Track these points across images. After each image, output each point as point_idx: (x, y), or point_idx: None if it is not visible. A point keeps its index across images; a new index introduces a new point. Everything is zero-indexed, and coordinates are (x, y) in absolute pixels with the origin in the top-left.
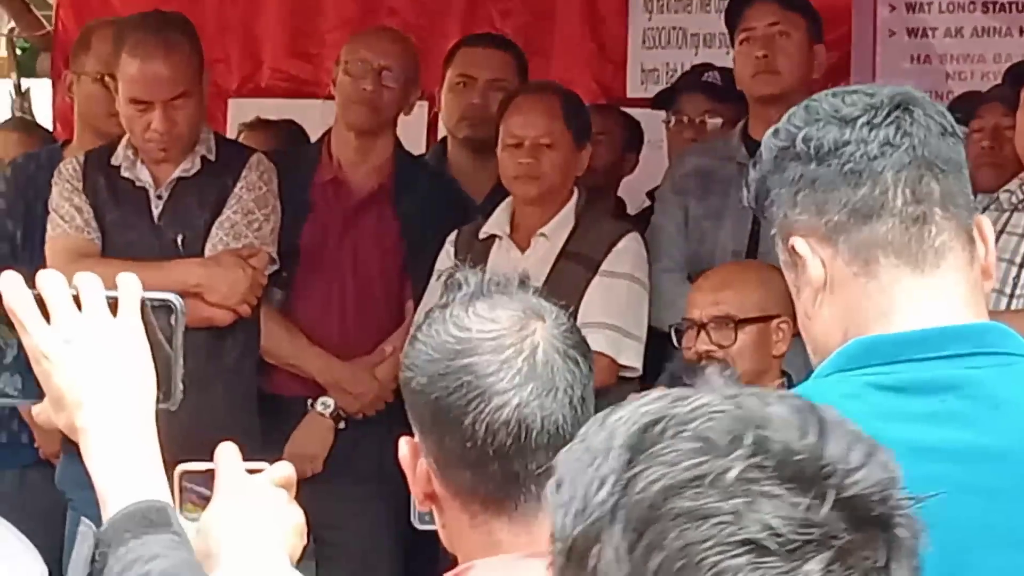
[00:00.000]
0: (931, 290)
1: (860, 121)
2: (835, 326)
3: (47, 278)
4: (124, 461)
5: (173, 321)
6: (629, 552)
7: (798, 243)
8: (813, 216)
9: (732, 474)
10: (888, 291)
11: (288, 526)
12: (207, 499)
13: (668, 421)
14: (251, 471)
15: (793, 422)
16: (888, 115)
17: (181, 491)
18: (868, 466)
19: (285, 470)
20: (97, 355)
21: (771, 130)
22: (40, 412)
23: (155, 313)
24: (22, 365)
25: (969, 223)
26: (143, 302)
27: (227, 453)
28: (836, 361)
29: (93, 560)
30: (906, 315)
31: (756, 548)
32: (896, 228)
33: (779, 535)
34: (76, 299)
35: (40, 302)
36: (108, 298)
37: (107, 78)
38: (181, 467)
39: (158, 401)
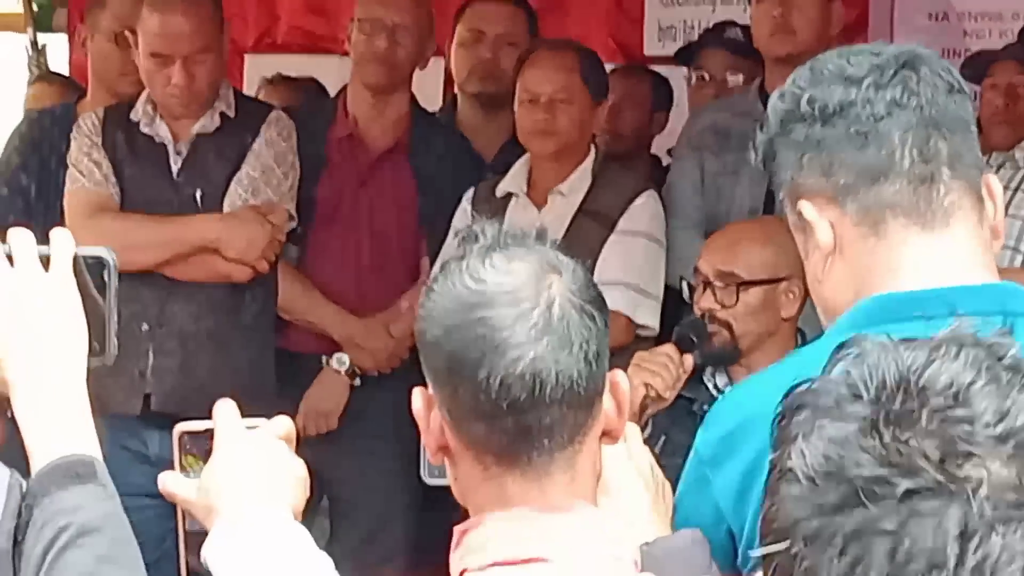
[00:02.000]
0: (940, 249)
1: (866, 81)
2: (845, 287)
3: None
4: (51, 415)
5: (106, 276)
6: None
7: (805, 207)
8: (820, 178)
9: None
10: (897, 250)
11: (289, 477)
12: (208, 453)
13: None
14: (249, 428)
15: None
16: (894, 74)
17: (181, 451)
18: (974, 400)
19: (285, 424)
20: (26, 310)
21: (776, 92)
22: None
23: (88, 268)
24: None
25: (978, 182)
26: (76, 258)
27: (225, 410)
28: (849, 319)
29: (19, 513)
30: (916, 273)
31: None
32: (904, 188)
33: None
34: (9, 257)
35: None
36: (41, 255)
37: (127, 33)
38: (180, 427)
39: (91, 355)
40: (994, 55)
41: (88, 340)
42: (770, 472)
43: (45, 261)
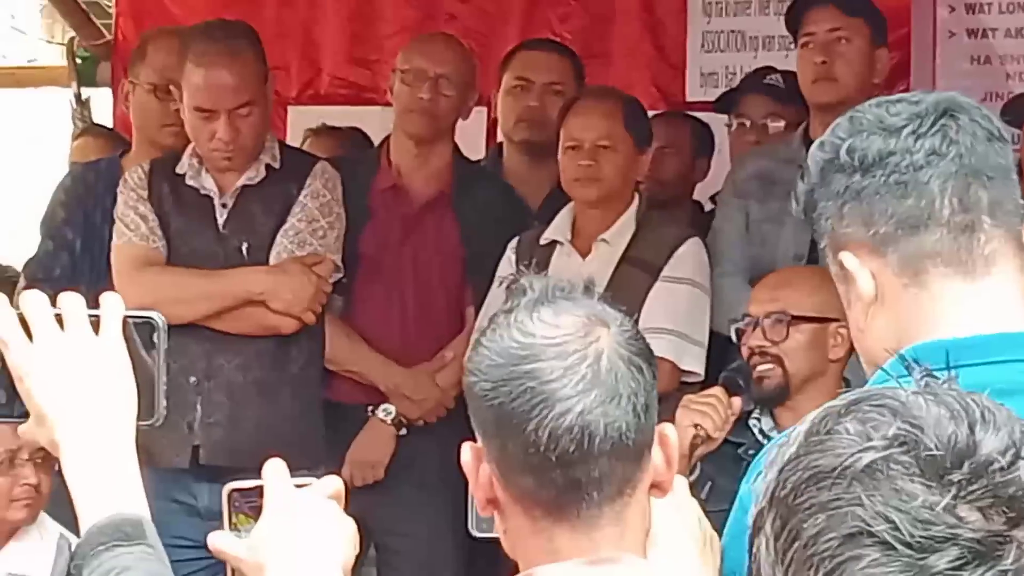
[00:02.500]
0: (982, 297)
1: (905, 131)
2: (888, 336)
3: (29, 298)
4: (100, 475)
5: (156, 338)
6: (775, 541)
7: (846, 258)
8: (860, 228)
9: (862, 464)
10: (939, 300)
11: (340, 537)
12: (258, 510)
13: (832, 414)
14: (299, 486)
15: (949, 419)
16: (933, 123)
17: (231, 510)
18: (1022, 466)
19: (335, 483)
20: (76, 372)
21: (817, 142)
22: (25, 431)
23: (137, 331)
24: (6, 383)
25: (1018, 229)
26: (125, 320)
27: (275, 468)
28: (893, 367)
29: (69, 572)
30: (958, 322)
31: (879, 542)
32: (944, 238)
33: (899, 529)
34: (59, 318)
35: (23, 321)
36: (91, 316)
37: (170, 87)
38: (229, 485)
39: (139, 418)
40: None
41: (137, 402)
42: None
43: (95, 324)
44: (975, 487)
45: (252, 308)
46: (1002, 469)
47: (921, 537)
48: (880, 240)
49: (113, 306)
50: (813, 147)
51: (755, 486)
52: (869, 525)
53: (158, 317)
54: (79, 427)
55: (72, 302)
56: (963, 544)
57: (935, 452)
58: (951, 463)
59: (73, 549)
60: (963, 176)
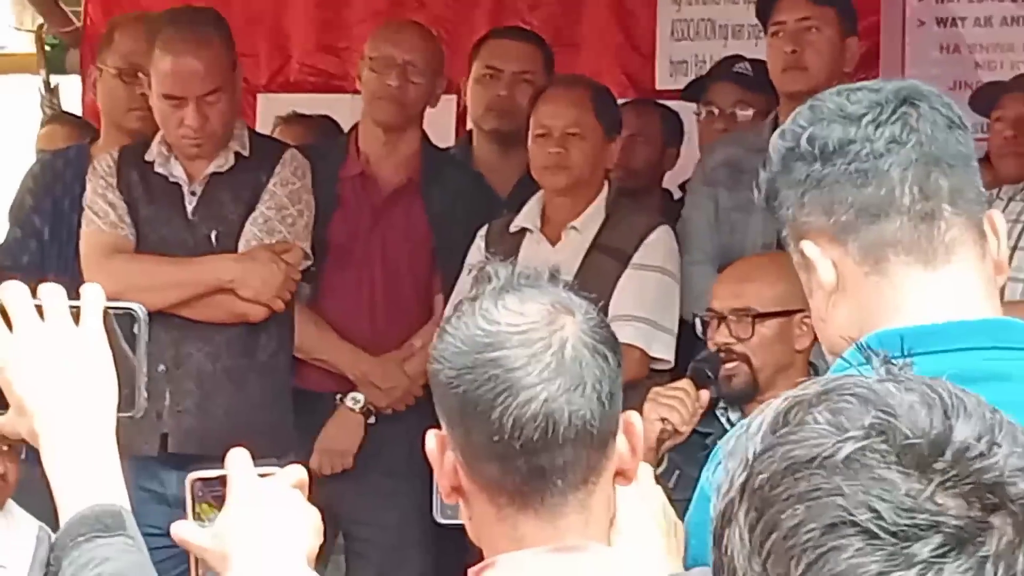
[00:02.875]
0: (943, 285)
1: (866, 119)
2: (849, 325)
3: (9, 288)
4: (79, 466)
5: (136, 330)
6: (750, 532)
7: (807, 247)
8: (821, 217)
9: (841, 454)
10: (900, 288)
11: (303, 526)
12: (222, 500)
13: (802, 404)
14: (263, 475)
15: (922, 406)
16: (894, 111)
17: (194, 499)
18: (999, 450)
19: (298, 472)
20: (56, 363)
21: (778, 131)
22: (6, 422)
23: (118, 322)
24: None
25: (980, 217)
26: (106, 311)
27: (239, 458)
28: (853, 355)
29: (48, 563)
30: (919, 310)
31: (862, 531)
32: (905, 226)
33: (883, 518)
34: (39, 309)
35: (3, 312)
36: (71, 307)
37: (137, 72)
38: (192, 475)
39: (120, 409)
40: (1002, 87)
41: (118, 394)
42: (768, 518)
43: (76, 315)
44: (955, 474)
45: (221, 296)
46: (980, 455)
47: (904, 525)
48: (841, 228)
49: (94, 297)
50: (774, 136)
51: (716, 476)
52: (852, 514)
53: (139, 308)
54: (59, 418)
55: (53, 293)
56: (945, 531)
57: (912, 440)
58: (929, 451)
59: (53, 540)
60: (923, 164)
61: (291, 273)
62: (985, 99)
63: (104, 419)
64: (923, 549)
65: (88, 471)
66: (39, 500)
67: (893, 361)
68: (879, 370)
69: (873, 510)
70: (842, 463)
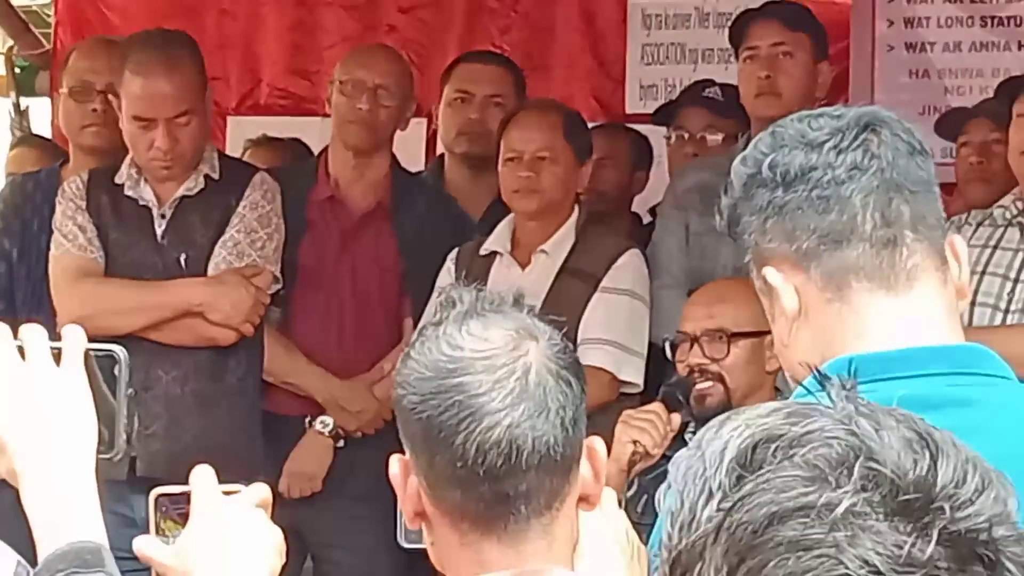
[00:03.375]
0: (905, 311)
1: (827, 145)
2: (812, 351)
3: None
4: (59, 504)
5: (117, 371)
6: (728, 575)
7: (770, 273)
8: (783, 243)
9: (841, 508)
10: (862, 314)
11: (266, 546)
12: (186, 517)
13: (780, 441)
14: (227, 493)
15: (906, 451)
16: (855, 138)
17: (157, 513)
18: (980, 499)
19: (262, 492)
20: (37, 403)
21: (740, 157)
22: None
23: (99, 364)
24: None
25: (941, 243)
26: (87, 353)
27: (203, 476)
28: (814, 383)
29: None
30: (882, 336)
31: None
32: (867, 252)
33: (879, 572)
34: (21, 350)
35: None
36: (52, 348)
37: (93, 89)
38: (156, 490)
39: (99, 452)
40: (967, 113)
41: (98, 435)
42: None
43: (57, 356)
44: (944, 526)
45: (190, 320)
46: (966, 503)
47: None
48: (803, 255)
49: (75, 338)
50: (736, 161)
51: (667, 500)
52: (845, 567)
53: (119, 351)
54: (39, 458)
55: (34, 333)
56: None
57: (901, 491)
58: (918, 501)
59: (31, 575)
60: (885, 190)
61: (260, 297)
62: (951, 125)
63: (84, 459)
64: None
65: (67, 509)
66: (17, 534)
67: (848, 390)
68: (841, 400)
69: (868, 564)
70: (835, 515)
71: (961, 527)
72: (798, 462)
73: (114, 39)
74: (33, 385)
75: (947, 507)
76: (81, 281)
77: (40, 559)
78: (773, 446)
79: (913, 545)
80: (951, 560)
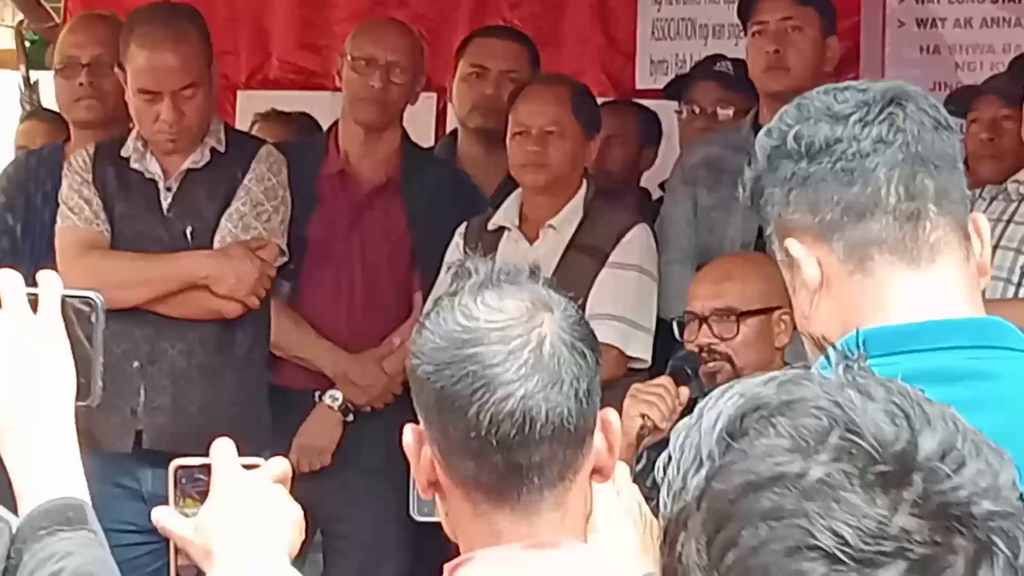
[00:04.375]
0: (927, 285)
1: (852, 118)
2: (833, 323)
3: None
4: (40, 458)
5: (94, 319)
6: (708, 545)
7: (792, 245)
8: (806, 215)
9: (811, 476)
10: (884, 287)
11: (286, 521)
12: (204, 494)
13: (765, 410)
14: (247, 467)
15: (888, 422)
16: (881, 111)
17: (176, 486)
18: (964, 471)
19: (282, 465)
20: (14, 352)
21: (764, 129)
22: None
23: (76, 311)
24: None
25: (964, 219)
26: (64, 300)
27: (223, 449)
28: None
29: (8, 556)
30: (903, 310)
31: (826, 555)
32: (890, 225)
33: (848, 544)
34: None
35: None
36: (29, 295)
37: (116, 69)
38: (176, 462)
39: (77, 398)
40: (977, 90)
41: (76, 383)
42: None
43: (33, 303)
44: (921, 498)
45: (196, 292)
46: (947, 476)
47: (869, 552)
48: (826, 227)
49: (51, 285)
50: (760, 134)
51: (667, 476)
52: (815, 538)
53: (96, 297)
54: (17, 408)
55: (8, 280)
56: (910, 558)
57: (879, 461)
58: (895, 473)
59: (13, 532)
60: (909, 164)
61: (266, 269)
62: (959, 102)
63: (63, 408)
64: (887, 574)
65: (49, 463)
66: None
67: (852, 361)
68: (838, 371)
69: (838, 535)
70: (807, 484)
71: (938, 500)
72: (781, 431)
73: (103, 14)
74: (10, 334)
75: (922, 479)
76: (87, 254)
77: (21, 514)
78: (758, 414)
79: (884, 516)
80: (928, 532)
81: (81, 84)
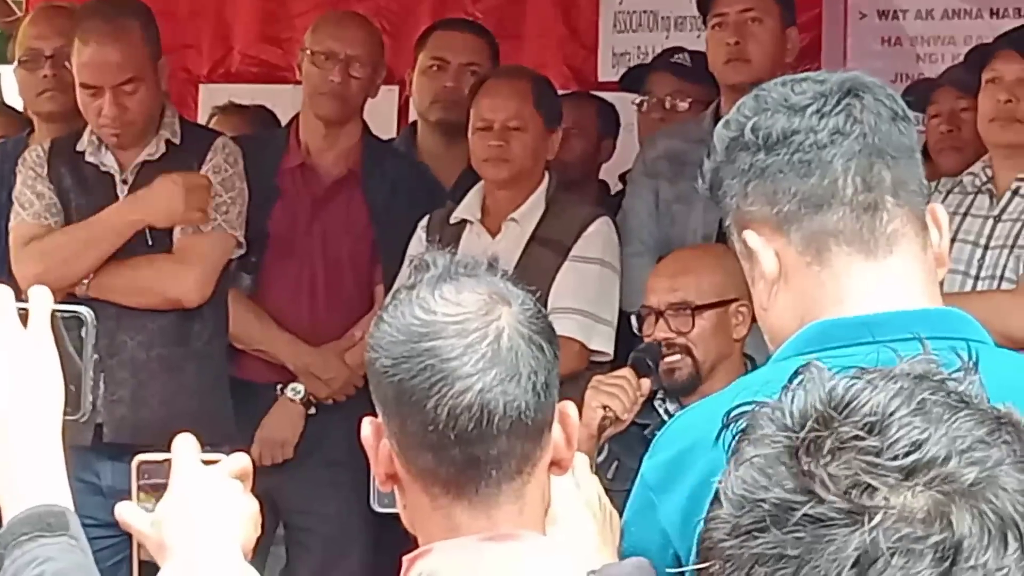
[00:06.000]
0: (884, 276)
1: (810, 109)
2: (791, 315)
3: None
4: (24, 468)
5: (83, 333)
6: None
7: (750, 236)
8: (764, 206)
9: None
10: (841, 278)
11: (242, 517)
12: (163, 488)
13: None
14: (207, 462)
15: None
16: (838, 103)
17: (139, 478)
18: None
19: (241, 461)
20: (2, 365)
21: (723, 120)
22: None
23: (65, 325)
24: None
25: (922, 209)
26: (53, 314)
27: (184, 444)
28: (794, 344)
29: None
30: (860, 301)
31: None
32: (847, 216)
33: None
34: None
35: None
36: (19, 310)
37: (42, 56)
38: (138, 457)
39: (66, 413)
40: (934, 82)
41: (64, 396)
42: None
43: (23, 317)
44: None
45: (152, 275)
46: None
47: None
48: (784, 218)
49: (41, 299)
50: (719, 125)
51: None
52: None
53: (86, 312)
54: (4, 419)
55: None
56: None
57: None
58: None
59: None
60: (867, 155)
61: (192, 181)
62: (919, 94)
63: (50, 421)
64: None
65: (33, 472)
66: None
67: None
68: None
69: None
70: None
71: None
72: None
73: (63, 5)
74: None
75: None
76: (32, 244)
77: (4, 520)
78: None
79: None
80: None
81: (45, 76)
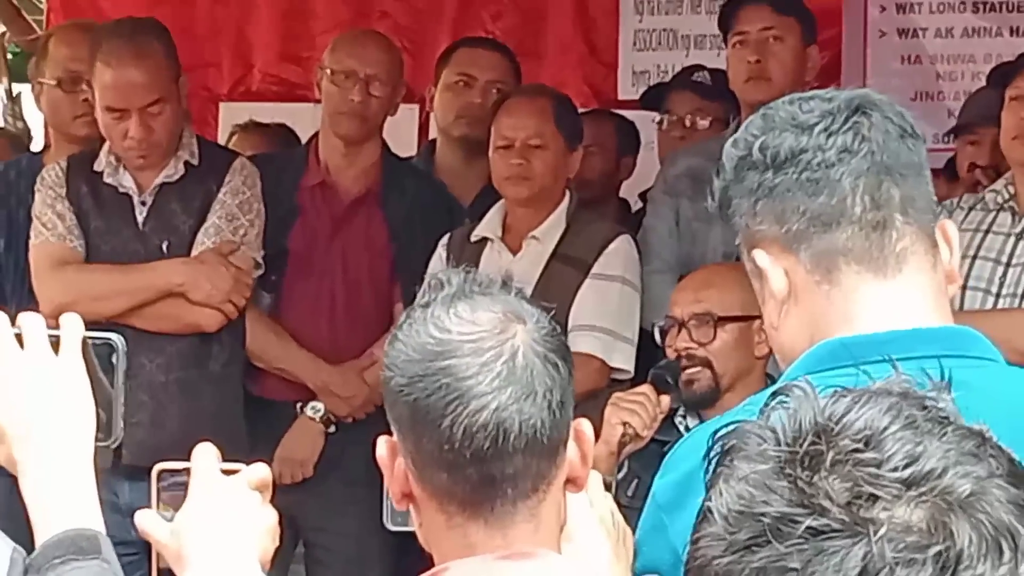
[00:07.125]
0: (894, 294)
1: (817, 128)
2: (801, 334)
3: None
4: (57, 492)
5: (114, 360)
6: None
7: (759, 256)
8: (773, 225)
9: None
10: (851, 297)
11: (260, 528)
12: (183, 498)
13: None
14: (227, 471)
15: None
16: (846, 121)
17: (159, 489)
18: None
19: (261, 472)
20: (36, 391)
21: (731, 139)
22: None
23: (96, 352)
24: None
25: (931, 227)
26: (84, 341)
27: (204, 453)
28: (805, 363)
29: None
30: (870, 319)
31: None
32: (856, 235)
33: None
34: (19, 337)
35: None
36: (50, 336)
37: (80, 78)
38: (158, 466)
39: (97, 439)
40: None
41: (96, 422)
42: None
43: (55, 344)
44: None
45: (173, 303)
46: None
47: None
48: (792, 237)
49: (73, 327)
50: (727, 144)
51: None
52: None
53: (117, 339)
54: (37, 445)
55: (32, 322)
56: None
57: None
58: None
59: (27, 562)
60: (875, 173)
61: (241, 276)
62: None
63: (82, 446)
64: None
65: (65, 496)
66: (15, 522)
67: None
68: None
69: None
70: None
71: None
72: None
73: (91, 24)
74: (32, 373)
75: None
76: (61, 269)
77: (37, 544)
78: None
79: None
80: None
81: (85, 100)
